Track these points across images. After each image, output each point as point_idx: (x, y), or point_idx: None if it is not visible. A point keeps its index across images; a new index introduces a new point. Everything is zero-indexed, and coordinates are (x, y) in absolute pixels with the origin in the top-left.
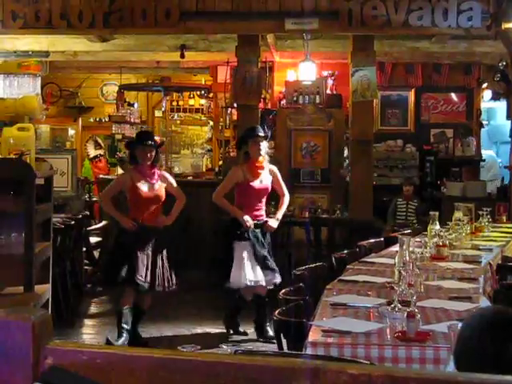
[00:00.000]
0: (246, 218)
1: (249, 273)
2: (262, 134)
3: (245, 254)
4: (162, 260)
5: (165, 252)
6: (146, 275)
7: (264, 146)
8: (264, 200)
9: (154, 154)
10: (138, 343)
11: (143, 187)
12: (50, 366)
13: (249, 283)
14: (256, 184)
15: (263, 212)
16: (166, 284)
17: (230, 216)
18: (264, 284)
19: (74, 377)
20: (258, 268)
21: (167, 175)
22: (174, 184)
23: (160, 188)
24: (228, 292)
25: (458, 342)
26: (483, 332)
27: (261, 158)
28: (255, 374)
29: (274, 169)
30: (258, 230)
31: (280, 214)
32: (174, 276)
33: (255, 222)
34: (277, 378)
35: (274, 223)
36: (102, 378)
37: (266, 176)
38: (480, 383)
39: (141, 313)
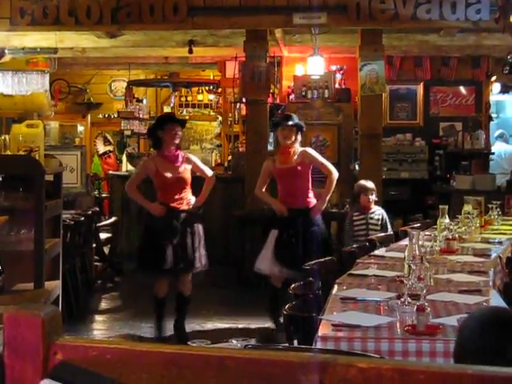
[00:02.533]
0: (278, 205)
1: (261, 259)
2: (290, 123)
3: (270, 242)
4: (193, 241)
5: (200, 232)
6: (175, 260)
7: (292, 135)
8: (304, 183)
9: (181, 133)
10: (178, 336)
11: (167, 172)
12: (60, 361)
13: (256, 270)
14: (284, 166)
15: (306, 197)
16: (198, 264)
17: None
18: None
19: (84, 372)
20: (271, 258)
21: (192, 157)
22: (200, 164)
23: (185, 171)
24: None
25: (457, 343)
26: (484, 332)
27: (289, 144)
28: (265, 368)
29: (308, 150)
30: (297, 219)
31: (325, 196)
32: (204, 257)
33: (291, 208)
34: (286, 372)
35: (319, 205)
36: (112, 374)
37: (297, 158)
38: (491, 376)
39: (184, 300)
